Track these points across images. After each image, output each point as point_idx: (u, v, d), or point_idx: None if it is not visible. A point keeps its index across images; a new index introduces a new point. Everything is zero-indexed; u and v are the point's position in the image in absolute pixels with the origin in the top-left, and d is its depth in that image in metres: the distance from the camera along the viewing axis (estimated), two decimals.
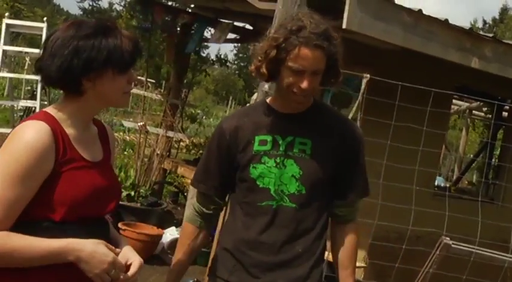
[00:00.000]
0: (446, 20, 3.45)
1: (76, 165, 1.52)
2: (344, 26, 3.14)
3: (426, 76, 3.85)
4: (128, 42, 1.52)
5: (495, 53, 3.68)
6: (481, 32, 3.49)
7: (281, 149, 1.83)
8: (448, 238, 3.17)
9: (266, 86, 3.08)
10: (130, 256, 1.59)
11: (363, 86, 3.11)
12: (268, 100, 1.93)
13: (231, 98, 28.05)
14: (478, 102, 7.97)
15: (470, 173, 9.72)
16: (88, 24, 1.52)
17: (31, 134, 1.44)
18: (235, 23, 5.67)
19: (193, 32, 5.93)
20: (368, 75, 3.05)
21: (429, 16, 3.39)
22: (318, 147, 1.83)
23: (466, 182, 9.16)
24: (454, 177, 8.65)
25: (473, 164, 8.11)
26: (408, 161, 3.58)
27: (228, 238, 1.92)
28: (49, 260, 1.43)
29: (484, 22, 34.38)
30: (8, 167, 1.42)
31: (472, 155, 8.77)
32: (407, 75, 3.51)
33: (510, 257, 3.28)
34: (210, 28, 6.22)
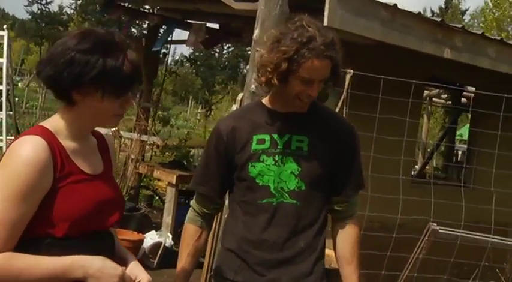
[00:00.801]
0: (420, 13, 3.56)
1: (75, 179, 1.48)
2: (325, 24, 3.20)
3: (401, 69, 3.96)
4: (129, 66, 1.46)
5: (465, 43, 3.83)
6: None
7: (279, 147, 1.87)
8: (434, 224, 3.29)
9: (253, 86, 3.10)
10: (138, 273, 1.58)
11: (346, 82, 3.18)
12: (263, 100, 1.97)
13: (191, 97, 27.84)
14: (438, 90, 8.24)
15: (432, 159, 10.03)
16: (94, 37, 1.46)
17: (27, 150, 1.41)
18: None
19: (160, 35, 5.89)
20: (351, 71, 3.12)
21: (404, 10, 3.49)
22: (314, 144, 1.89)
23: (429, 168, 9.45)
24: (419, 164, 8.91)
25: (438, 150, 8.38)
26: (389, 151, 3.69)
27: (230, 238, 1.95)
28: (57, 278, 1.41)
29: (432, 12, 35.31)
30: (7, 186, 1.39)
31: (430, 141, 9.04)
32: (382, 69, 3.61)
33: (493, 238, 3.44)
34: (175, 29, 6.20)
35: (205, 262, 3.43)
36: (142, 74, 1.54)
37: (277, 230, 1.87)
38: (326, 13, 3.16)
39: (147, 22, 7.01)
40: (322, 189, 1.92)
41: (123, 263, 1.64)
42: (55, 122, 1.53)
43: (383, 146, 3.59)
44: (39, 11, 42.13)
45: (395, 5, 3.43)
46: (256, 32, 3.10)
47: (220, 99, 17.66)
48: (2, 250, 1.38)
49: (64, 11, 46.65)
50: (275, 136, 1.88)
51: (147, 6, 6.37)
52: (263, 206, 1.86)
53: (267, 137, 1.88)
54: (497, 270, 3.58)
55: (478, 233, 3.38)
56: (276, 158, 1.86)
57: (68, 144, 1.51)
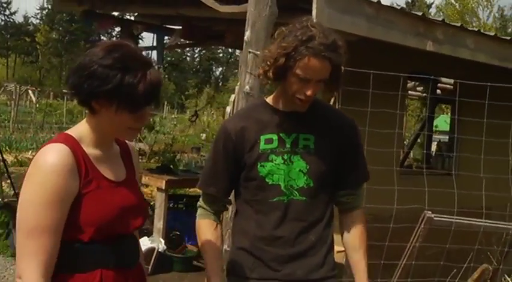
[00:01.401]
0: (403, 8, 3.66)
1: (99, 185, 1.54)
2: None
3: (385, 63, 4.06)
4: (146, 84, 1.49)
5: (446, 35, 3.95)
6: None
7: (287, 146, 1.92)
8: (429, 212, 3.39)
9: (247, 87, 3.15)
10: None
11: None
12: (268, 100, 2.01)
13: (165, 102, 27.75)
14: (413, 82, 8.42)
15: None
16: (120, 52, 1.51)
17: (52, 158, 1.47)
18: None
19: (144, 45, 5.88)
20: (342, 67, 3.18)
21: (387, 6, 3.59)
22: (320, 142, 1.94)
23: (410, 159, 9.64)
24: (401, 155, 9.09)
25: (418, 140, 8.57)
26: (380, 144, 3.78)
27: (242, 238, 1.99)
28: None
29: (398, 5, 35.90)
30: (38, 194, 1.44)
31: (407, 134, 9.24)
32: (367, 64, 3.69)
33: (485, 222, 3.56)
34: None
35: None
36: (159, 93, 1.56)
37: (289, 227, 1.92)
38: (314, 12, 3.23)
39: (116, 30, 6.97)
40: (329, 184, 1.98)
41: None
42: (79, 129, 1.59)
43: (374, 139, 3.68)
44: (3, 22, 41.35)
45: (379, 1, 3.52)
46: (247, 33, 3.15)
47: (205, 106, 17.60)
48: (53, 254, 1.44)
49: (30, 21, 45.90)
50: (282, 135, 1.93)
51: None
52: (274, 204, 1.91)
53: (275, 137, 1.92)
54: (488, 252, 3.69)
55: (471, 218, 3.50)
56: (285, 156, 1.91)
57: (91, 151, 1.57)
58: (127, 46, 1.55)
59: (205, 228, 1.98)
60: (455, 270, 3.56)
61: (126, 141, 1.75)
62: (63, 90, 25.40)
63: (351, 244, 2.02)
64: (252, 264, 1.93)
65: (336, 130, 1.98)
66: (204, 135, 15.71)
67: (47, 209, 1.43)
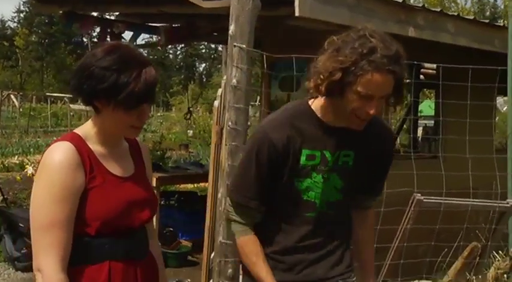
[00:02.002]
0: None
1: (104, 181, 1.61)
2: (297, 14, 3.32)
3: None
4: (141, 83, 1.56)
5: (426, 20, 4.02)
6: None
7: (329, 165, 1.83)
8: (419, 194, 3.47)
9: (234, 80, 3.19)
10: None
11: None
12: (313, 107, 1.84)
13: None
14: None
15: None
16: (118, 54, 1.58)
17: (58, 155, 1.55)
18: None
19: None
20: None
21: None
22: (358, 157, 1.87)
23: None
24: None
25: (404, 125, 8.68)
26: None
27: (266, 245, 1.90)
28: None
29: None
30: (48, 191, 1.53)
31: (393, 120, 9.34)
32: None
33: (472, 201, 3.66)
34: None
35: (204, 257, 3.50)
36: (154, 91, 1.63)
37: (316, 237, 1.90)
38: (296, 4, 3.28)
39: (96, 30, 6.94)
40: (353, 195, 1.97)
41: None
42: (85, 128, 1.67)
43: None
44: None
45: None
46: (232, 27, 3.19)
47: (196, 103, 17.53)
48: (67, 247, 1.53)
49: (7, 25, 45.25)
50: (326, 153, 1.82)
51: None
52: (306, 219, 1.87)
53: (318, 154, 1.82)
54: (477, 231, 3.79)
55: (459, 199, 3.59)
56: (325, 175, 1.84)
57: (96, 148, 1.64)
58: (125, 47, 1.63)
59: (252, 246, 1.87)
60: (446, 250, 3.65)
61: (137, 139, 1.83)
62: (47, 94, 25.16)
63: (362, 240, 2.03)
64: (273, 268, 1.87)
65: (372, 139, 1.87)
66: (191, 131, 15.70)
67: (57, 205, 1.51)
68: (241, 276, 2.04)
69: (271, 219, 1.89)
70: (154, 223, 5.65)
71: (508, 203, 3.65)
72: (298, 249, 1.89)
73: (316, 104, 1.83)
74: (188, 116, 9.13)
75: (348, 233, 2.01)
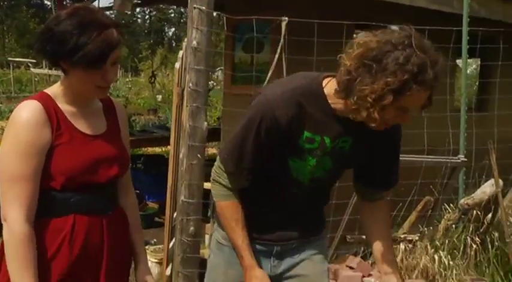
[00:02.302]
0: None
1: (71, 138, 1.68)
2: None
3: (333, 13, 4.17)
4: (98, 43, 1.59)
5: None
6: None
7: (326, 150, 1.80)
8: None
9: (194, 42, 3.22)
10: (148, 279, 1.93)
11: (283, 29, 3.35)
12: (326, 91, 1.73)
13: (119, 66, 27.00)
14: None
15: None
16: (79, 16, 1.62)
17: (24, 114, 1.63)
18: None
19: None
20: (286, 18, 3.29)
21: None
22: (356, 143, 1.82)
23: None
24: None
25: None
26: None
27: (246, 207, 1.89)
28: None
29: None
30: (14, 147, 1.61)
31: None
32: (313, 15, 3.79)
33: (426, 158, 3.82)
34: None
35: (167, 216, 3.58)
36: (111, 51, 1.64)
37: (294, 205, 1.92)
38: None
39: None
40: (341, 174, 1.96)
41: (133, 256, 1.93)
42: (55, 88, 1.74)
43: None
44: None
45: None
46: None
47: (159, 67, 17.29)
48: (33, 199, 1.62)
49: None
50: (326, 139, 1.78)
51: None
52: (290, 193, 1.89)
53: (318, 138, 1.77)
54: (431, 186, 3.95)
55: (414, 155, 3.74)
56: (319, 159, 1.82)
57: (65, 107, 1.71)
58: (87, 9, 1.67)
59: (234, 211, 1.86)
60: (400, 204, 3.81)
61: (112, 98, 1.89)
62: (9, 59, 24.42)
63: (375, 231, 1.96)
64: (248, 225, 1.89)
65: (379, 132, 1.73)
66: (160, 96, 15.57)
67: (24, 160, 1.60)
68: (215, 226, 2.07)
69: (255, 185, 1.88)
70: None
71: (458, 159, 3.82)
72: (275, 212, 1.92)
73: (330, 87, 1.72)
74: (152, 80, 9.07)
75: (324, 200, 2.04)
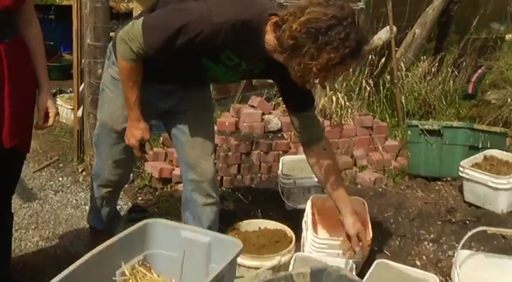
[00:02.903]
0: None
1: None
2: None
3: None
4: None
5: None
6: None
7: (239, 69, 2.00)
8: None
9: None
10: (49, 105, 2.04)
11: None
12: (268, 29, 1.82)
13: None
14: None
15: None
16: None
17: None
18: None
19: None
20: None
21: None
22: (267, 70, 2.04)
23: None
24: None
25: None
26: None
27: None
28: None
29: None
30: None
31: None
32: None
33: None
34: None
35: (74, 59, 3.62)
36: None
37: (195, 82, 2.17)
38: None
39: None
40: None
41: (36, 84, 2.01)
42: None
43: None
44: None
45: None
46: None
47: None
48: None
49: None
50: (244, 64, 1.96)
51: None
52: (193, 76, 2.09)
53: (237, 60, 1.94)
54: None
55: None
56: (230, 72, 2.01)
57: None
58: None
59: (135, 73, 1.95)
60: None
61: None
62: None
63: (324, 180, 2.19)
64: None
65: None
66: None
67: None
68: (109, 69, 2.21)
69: (164, 61, 1.98)
70: None
71: (358, 6, 4.02)
72: (173, 81, 2.13)
73: (270, 30, 1.82)
74: None
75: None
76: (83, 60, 3.45)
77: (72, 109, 4.11)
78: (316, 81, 1.84)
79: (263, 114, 3.63)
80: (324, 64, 1.69)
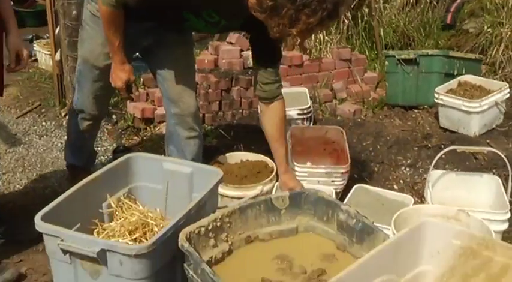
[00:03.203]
0: None
1: None
2: None
3: None
4: None
5: None
6: None
7: (218, 25, 2.07)
8: None
9: None
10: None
11: None
12: None
13: None
14: None
15: None
16: None
17: None
18: None
19: None
20: None
21: None
22: (244, 26, 2.17)
23: None
24: None
25: None
26: None
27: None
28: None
29: None
30: None
31: None
32: None
33: None
34: None
35: (47, 3, 3.55)
36: None
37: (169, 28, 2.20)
38: None
39: None
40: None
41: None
42: None
43: None
44: None
45: None
46: None
47: None
48: None
49: None
50: (223, 21, 2.04)
51: None
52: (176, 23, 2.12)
53: (217, 18, 2.02)
54: None
55: None
56: (208, 26, 2.08)
57: None
58: None
59: (116, 19, 1.99)
60: None
61: None
62: None
63: (271, 134, 2.25)
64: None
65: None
66: None
67: None
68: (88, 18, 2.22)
69: (146, 9, 2.02)
70: None
71: None
72: (154, 22, 2.14)
73: None
74: None
75: None
76: (56, 2, 3.39)
77: (50, 54, 4.06)
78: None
79: (241, 50, 3.63)
80: (303, 28, 1.72)
